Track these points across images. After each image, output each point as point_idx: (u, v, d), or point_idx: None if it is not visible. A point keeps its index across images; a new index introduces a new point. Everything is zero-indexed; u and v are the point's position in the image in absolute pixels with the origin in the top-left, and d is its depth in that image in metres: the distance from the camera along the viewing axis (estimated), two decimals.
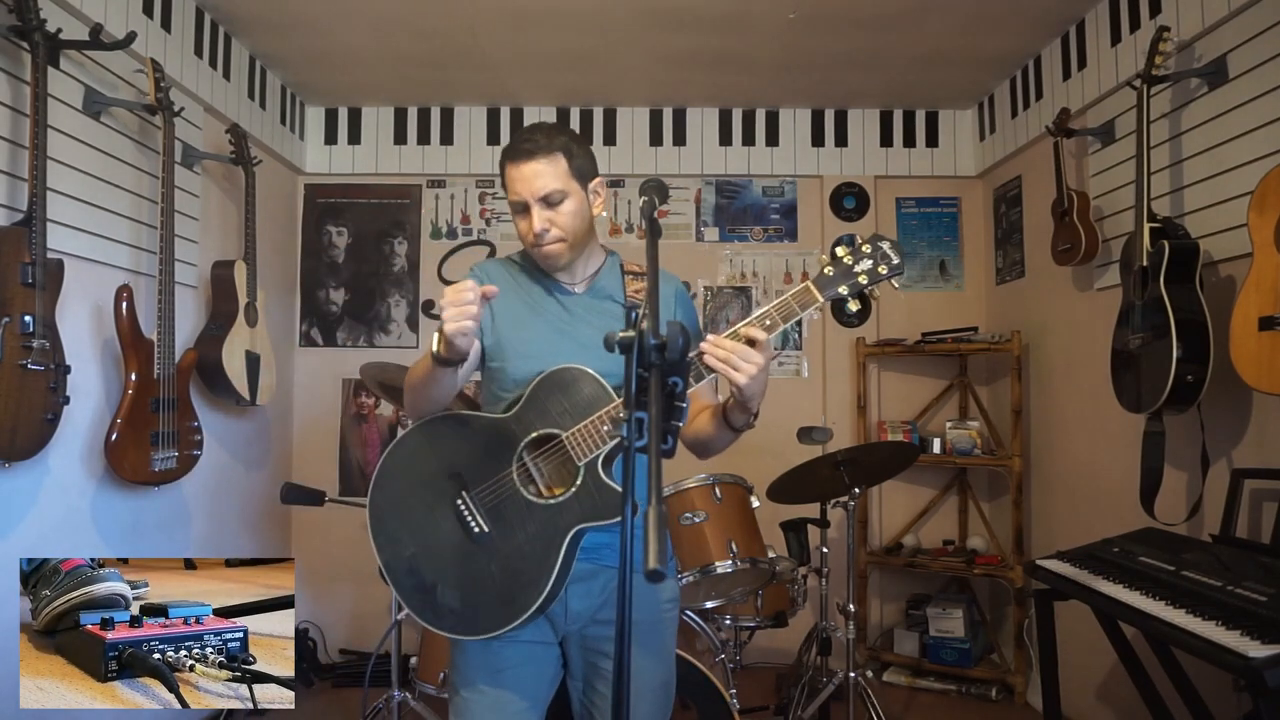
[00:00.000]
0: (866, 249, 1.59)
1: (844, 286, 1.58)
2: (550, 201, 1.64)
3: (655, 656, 1.72)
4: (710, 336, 1.51)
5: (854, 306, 1.62)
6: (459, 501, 1.64)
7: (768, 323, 1.54)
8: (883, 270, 1.58)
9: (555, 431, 1.61)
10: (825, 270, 1.58)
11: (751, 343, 1.49)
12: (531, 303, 1.74)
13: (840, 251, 1.59)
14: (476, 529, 1.62)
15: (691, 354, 1.52)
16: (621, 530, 1.15)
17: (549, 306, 1.74)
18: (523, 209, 1.66)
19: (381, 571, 1.70)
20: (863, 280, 1.58)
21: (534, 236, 1.65)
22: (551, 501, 1.60)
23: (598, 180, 1.73)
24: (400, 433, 4.27)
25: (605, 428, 1.56)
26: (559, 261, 1.70)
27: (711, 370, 1.52)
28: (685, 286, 1.85)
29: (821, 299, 1.57)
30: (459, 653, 1.69)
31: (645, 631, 1.68)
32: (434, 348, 1.54)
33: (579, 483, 1.58)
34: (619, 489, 1.56)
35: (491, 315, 1.73)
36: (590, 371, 1.61)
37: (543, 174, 1.63)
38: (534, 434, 1.62)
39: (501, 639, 1.61)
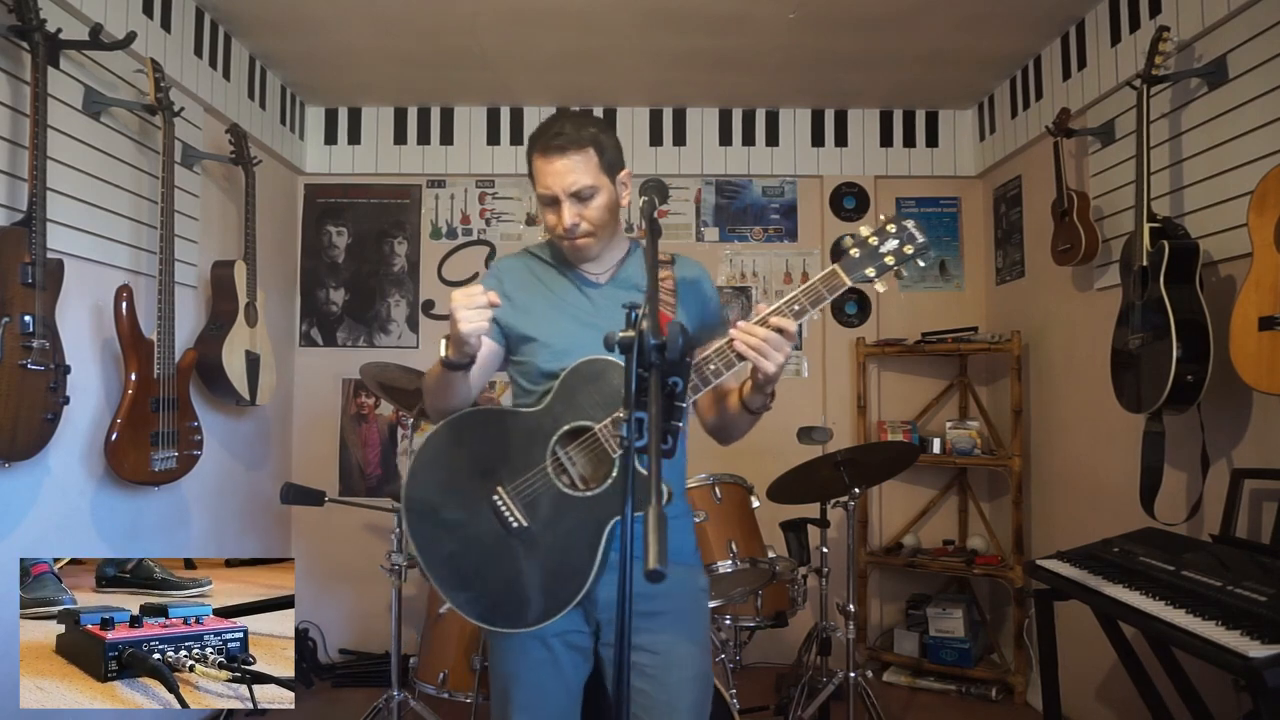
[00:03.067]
0: (891, 229, 1.59)
1: (871, 269, 1.58)
2: (581, 197, 1.65)
3: (697, 644, 1.72)
4: (740, 324, 1.51)
5: (880, 287, 1.61)
6: (495, 497, 1.65)
7: (795, 308, 1.55)
8: (908, 250, 1.59)
9: (588, 424, 1.61)
10: (851, 253, 1.59)
11: (779, 330, 1.50)
12: (554, 296, 1.75)
13: (865, 233, 1.60)
14: (515, 523, 1.63)
15: (720, 341, 1.55)
16: (621, 529, 1.15)
17: (572, 298, 1.74)
18: (552, 202, 1.67)
19: (422, 569, 1.71)
20: (889, 261, 1.58)
21: (564, 230, 1.67)
22: (589, 494, 1.61)
23: (625, 172, 1.74)
24: (400, 432, 4.29)
25: None
26: (588, 254, 1.71)
27: (742, 358, 1.52)
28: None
29: (849, 282, 1.58)
30: (495, 646, 1.71)
31: (687, 620, 1.70)
32: (443, 353, 1.56)
33: (615, 474, 1.59)
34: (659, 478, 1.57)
35: (514, 310, 1.74)
36: (618, 362, 1.60)
37: (574, 169, 1.63)
38: (566, 427, 1.63)
39: (540, 630, 1.62)
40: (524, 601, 1.60)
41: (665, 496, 1.59)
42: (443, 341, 1.57)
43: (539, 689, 1.66)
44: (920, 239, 1.59)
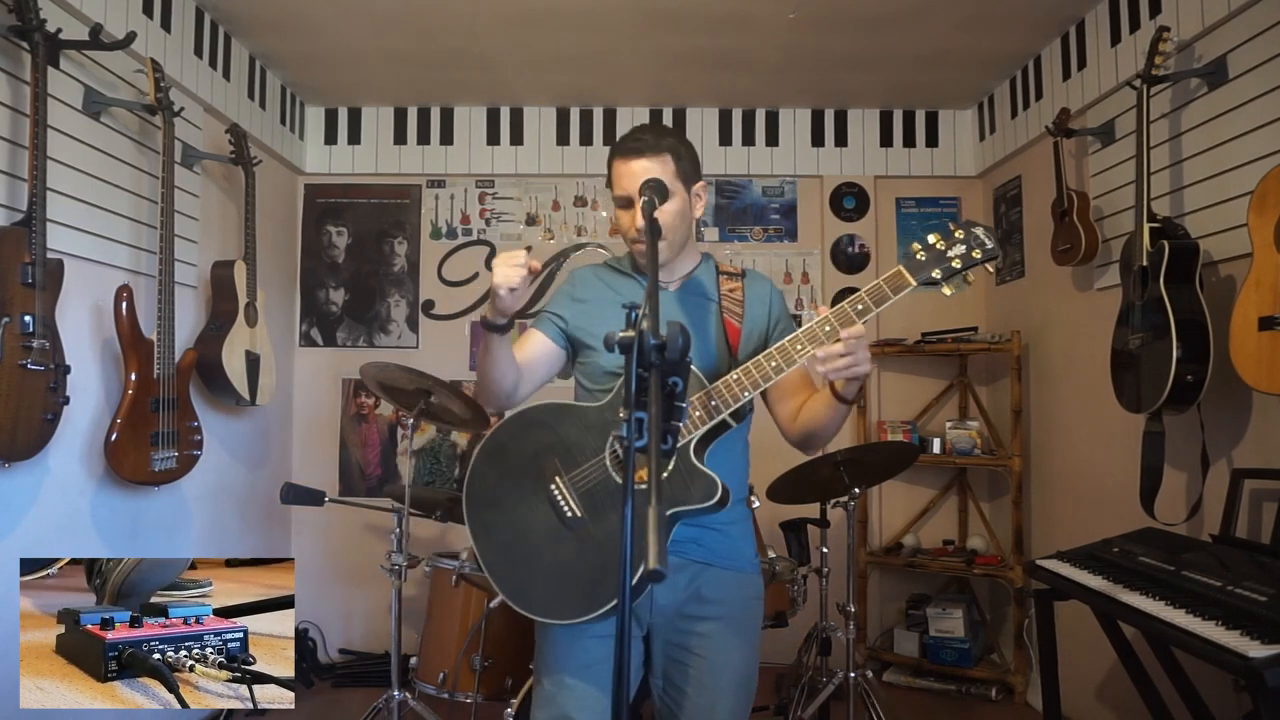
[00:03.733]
0: (959, 234, 1.62)
1: (937, 270, 1.61)
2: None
3: (745, 652, 1.73)
4: (820, 352, 1.52)
5: (948, 291, 1.62)
6: (553, 488, 1.66)
7: (859, 308, 1.58)
8: (976, 255, 1.61)
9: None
10: (917, 255, 1.61)
11: (854, 337, 1.53)
12: (622, 300, 1.76)
13: (933, 238, 1.62)
14: (570, 514, 1.64)
15: (786, 336, 1.59)
16: (622, 529, 1.15)
17: (640, 293, 1.77)
18: (626, 204, 1.71)
19: (477, 558, 1.71)
20: (956, 264, 1.61)
21: (636, 231, 1.69)
22: (644, 486, 1.60)
23: (700, 184, 1.78)
24: (400, 432, 4.29)
25: (697, 413, 1.59)
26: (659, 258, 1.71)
27: (800, 355, 1.57)
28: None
29: (914, 283, 1.60)
30: (547, 643, 1.71)
31: (738, 627, 1.70)
32: (482, 313, 1.63)
33: (671, 467, 1.59)
34: (711, 474, 1.59)
35: (583, 312, 1.79)
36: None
37: (650, 171, 1.68)
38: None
39: (590, 633, 1.62)
40: (574, 593, 1.60)
41: (723, 500, 1.59)
42: (486, 304, 1.64)
43: (582, 688, 1.65)
44: (989, 244, 1.61)
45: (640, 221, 1.67)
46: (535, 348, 1.80)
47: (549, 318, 1.83)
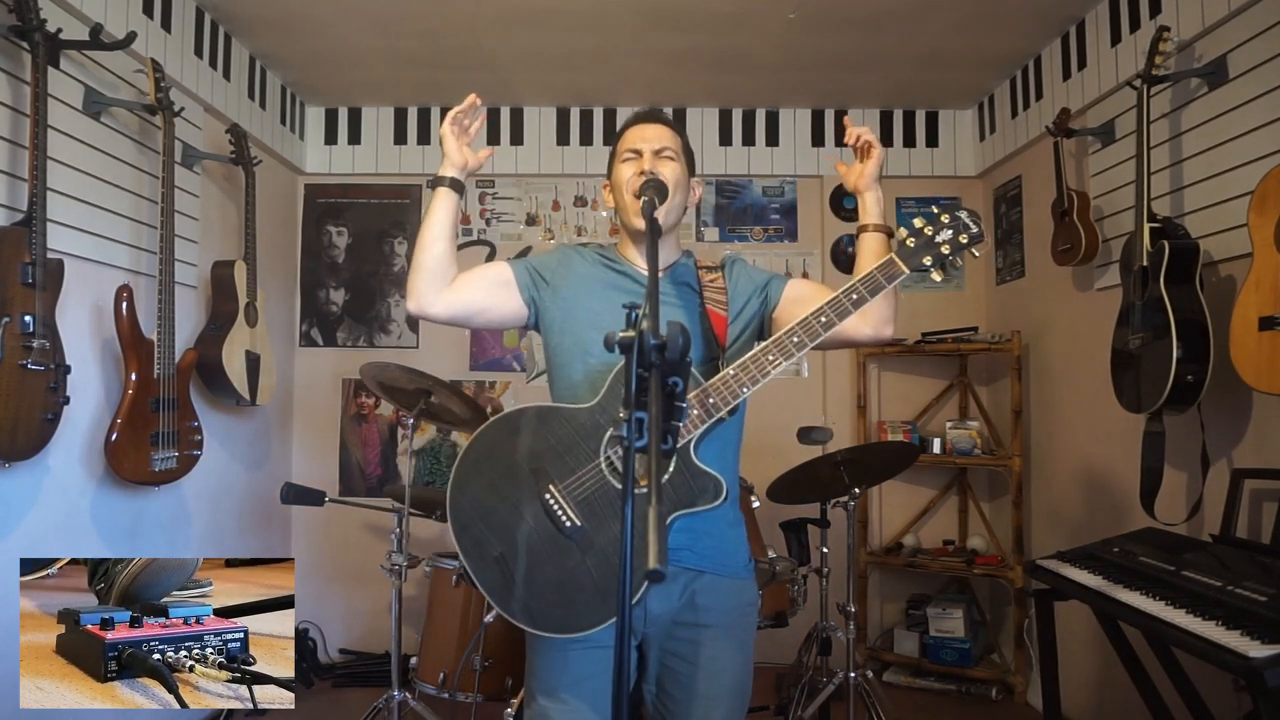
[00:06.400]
0: (945, 219, 1.63)
1: (927, 257, 1.62)
2: (663, 156, 1.74)
3: (739, 658, 1.71)
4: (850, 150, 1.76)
5: (937, 277, 1.63)
6: (547, 496, 1.59)
7: (854, 297, 1.58)
8: (963, 239, 1.62)
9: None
10: (907, 242, 1.62)
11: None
12: (606, 281, 1.77)
13: (919, 223, 1.63)
14: (569, 523, 1.58)
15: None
16: (623, 529, 1.15)
17: (626, 286, 1.75)
18: (633, 155, 1.75)
19: (468, 573, 1.64)
20: (945, 250, 1.62)
21: (642, 171, 1.72)
22: (645, 490, 1.59)
23: (697, 179, 1.84)
24: (400, 432, 4.28)
25: (695, 412, 1.56)
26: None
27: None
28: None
29: (907, 270, 1.61)
30: (538, 659, 1.67)
31: (732, 634, 1.68)
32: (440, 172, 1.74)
33: (671, 469, 1.56)
34: (714, 473, 1.58)
35: (565, 278, 1.77)
36: None
37: (665, 138, 1.76)
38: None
39: (582, 644, 1.59)
40: (577, 604, 1.56)
41: (721, 499, 1.58)
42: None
43: (576, 703, 1.62)
44: (974, 229, 1.62)
45: (647, 164, 1.71)
46: (491, 272, 1.78)
47: (525, 264, 1.79)
